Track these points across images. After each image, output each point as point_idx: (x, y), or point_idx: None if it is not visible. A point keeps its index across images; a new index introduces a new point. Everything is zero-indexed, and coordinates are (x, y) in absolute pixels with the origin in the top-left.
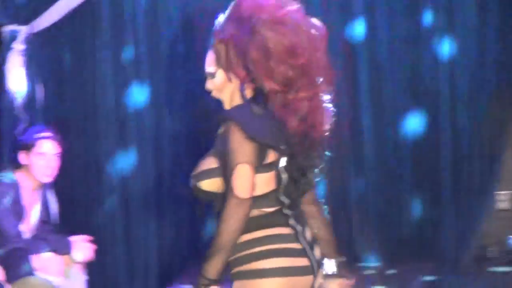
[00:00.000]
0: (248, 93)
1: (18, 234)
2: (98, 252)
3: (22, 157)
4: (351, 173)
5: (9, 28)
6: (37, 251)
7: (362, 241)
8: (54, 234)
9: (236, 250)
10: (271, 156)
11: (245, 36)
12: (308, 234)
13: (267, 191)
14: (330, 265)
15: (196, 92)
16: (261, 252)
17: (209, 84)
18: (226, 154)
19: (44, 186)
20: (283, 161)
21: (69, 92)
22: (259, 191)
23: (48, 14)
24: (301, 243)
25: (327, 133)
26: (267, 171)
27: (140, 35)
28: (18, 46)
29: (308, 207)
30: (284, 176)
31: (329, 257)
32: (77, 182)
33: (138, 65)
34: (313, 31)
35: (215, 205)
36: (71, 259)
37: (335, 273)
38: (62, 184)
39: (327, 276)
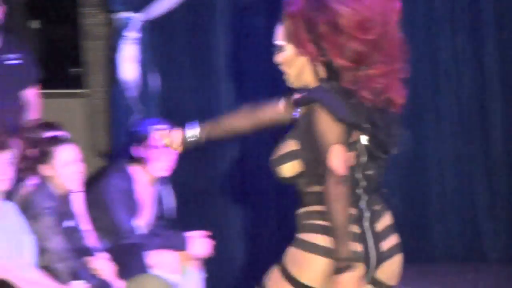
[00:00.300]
0: (321, 70)
1: (131, 230)
2: (216, 248)
3: (136, 150)
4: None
5: (121, 15)
6: (152, 247)
7: None
8: (170, 230)
9: (302, 218)
10: (354, 135)
11: (314, 10)
12: (382, 223)
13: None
14: None
15: None
16: (317, 225)
17: (278, 58)
18: (315, 136)
19: (160, 180)
20: (364, 139)
21: (185, 83)
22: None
23: (162, 1)
24: (361, 228)
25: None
26: (350, 150)
27: None
28: (131, 34)
29: None
30: (364, 154)
31: None
32: (194, 175)
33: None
34: (384, 3)
35: (298, 184)
36: (188, 255)
37: None
38: (179, 178)
39: None
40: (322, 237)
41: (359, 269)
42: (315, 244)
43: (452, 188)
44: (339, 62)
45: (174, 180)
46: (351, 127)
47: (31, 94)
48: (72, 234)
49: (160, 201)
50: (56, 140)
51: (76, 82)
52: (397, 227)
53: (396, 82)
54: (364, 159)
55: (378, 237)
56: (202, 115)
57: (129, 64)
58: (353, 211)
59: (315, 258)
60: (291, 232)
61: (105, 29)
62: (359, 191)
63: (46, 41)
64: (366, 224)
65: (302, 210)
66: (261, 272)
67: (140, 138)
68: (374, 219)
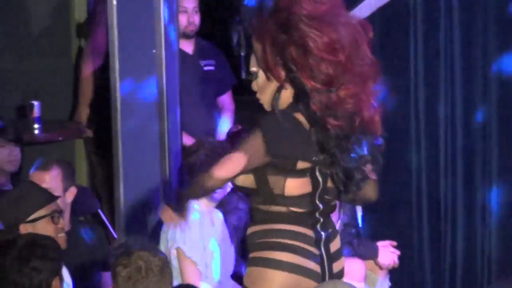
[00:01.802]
0: (288, 93)
1: None
2: (402, 258)
3: None
4: None
5: None
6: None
7: None
8: (358, 238)
9: (256, 237)
10: (301, 164)
11: (282, 33)
12: (334, 245)
13: (298, 194)
14: None
15: None
16: (277, 243)
17: (253, 85)
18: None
19: None
20: (317, 169)
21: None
22: (289, 193)
23: (359, 9)
24: (319, 250)
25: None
26: (300, 177)
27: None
28: None
29: None
30: (318, 181)
31: None
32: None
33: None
34: (354, 24)
35: (250, 199)
36: (375, 265)
37: None
38: None
39: None
40: (281, 253)
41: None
42: (274, 259)
43: None
44: (310, 84)
45: None
46: (287, 159)
47: (226, 100)
48: None
49: (345, 208)
50: None
51: None
52: None
53: (368, 103)
54: (322, 185)
55: (332, 258)
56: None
57: None
58: (309, 233)
59: (276, 273)
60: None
61: None
62: (318, 215)
63: None
64: (323, 246)
65: (253, 229)
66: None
67: None
68: (328, 241)
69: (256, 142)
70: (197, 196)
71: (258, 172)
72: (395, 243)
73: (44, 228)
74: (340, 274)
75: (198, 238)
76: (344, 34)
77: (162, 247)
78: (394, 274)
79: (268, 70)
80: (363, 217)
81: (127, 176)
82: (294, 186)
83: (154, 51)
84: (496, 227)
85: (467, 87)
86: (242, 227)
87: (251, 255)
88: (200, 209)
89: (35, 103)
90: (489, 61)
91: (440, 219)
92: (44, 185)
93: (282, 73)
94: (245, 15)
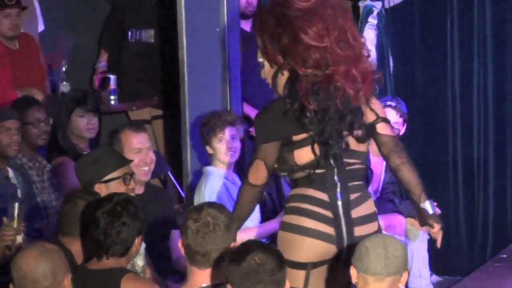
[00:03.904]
0: (285, 77)
1: None
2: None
3: None
4: None
5: (366, 3)
6: (384, 211)
7: None
8: (398, 196)
9: (286, 202)
10: (297, 137)
11: (278, 26)
12: (358, 211)
13: (308, 160)
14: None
15: None
16: (295, 207)
17: (262, 73)
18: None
19: None
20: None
21: (419, 67)
22: (300, 161)
23: None
24: (334, 213)
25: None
26: (302, 146)
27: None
28: (372, 20)
29: (391, 162)
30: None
31: (420, 201)
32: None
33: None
34: (341, 12)
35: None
36: (414, 221)
37: (431, 214)
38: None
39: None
40: (295, 217)
41: (332, 250)
42: (291, 224)
43: None
44: (301, 70)
45: None
46: (280, 139)
47: None
48: None
49: (387, 171)
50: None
51: None
52: None
53: (354, 80)
54: (328, 151)
55: (352, 223)
56: (432, 98)
57: (370, 47)
58: (326, 197)
59: (290, 236)
60: None
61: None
62: (335, 178)
63: None
64: (340, 210)
65: (290, 193)
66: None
67: None
68: (349, 206)
69: (256, 140)
70: (249, 210)
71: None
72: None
73: (116, 188)
74: (362, 237)
75: (225, 197)
76: (330, 22)
77: None
78: None
79: (269, 59)
80: None
81: (193, 140)
82: (301, 155)
83: (218, 29)
84: None
85: (498, 59)
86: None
87: (283, 218)
88: (221, 173)
89: (111, 76)
90: None
91: (474, 178)
92: (133, 145)
93: (280, 60)
94: None
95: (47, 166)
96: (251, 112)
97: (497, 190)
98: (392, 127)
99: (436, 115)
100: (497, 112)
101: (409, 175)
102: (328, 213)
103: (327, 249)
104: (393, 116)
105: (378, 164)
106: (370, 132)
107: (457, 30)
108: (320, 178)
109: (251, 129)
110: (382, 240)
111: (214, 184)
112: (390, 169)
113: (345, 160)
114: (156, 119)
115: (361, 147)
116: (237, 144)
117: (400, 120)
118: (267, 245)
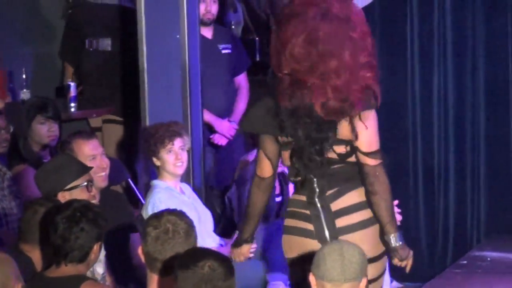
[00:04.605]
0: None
1: None
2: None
3: None
4: None
5: None
6: None
7: None
8: None
9: None
10: (282, 139)
11: (275, 31)
12: (339, 203)
13: (288, 165)
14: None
15: None
16: (287, 211)
17: None
18: None
19: None
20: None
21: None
22: (287, 163)
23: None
24: (313, 210)
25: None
26: (286, 149)
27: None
28: None
29: (364, 184)
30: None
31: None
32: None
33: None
34: (309, 22)
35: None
36: None
37: (393, 247)
38: None
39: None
40: (286, 219)
41: (311, 244)
42: (284, 226)
43: None
44: (280, 74)
45: None
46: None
47: (242, 80)
48: (281, 207)
49: None
50: None
51: None
52: None
53: (319, 90)
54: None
55: (333, 215)
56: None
57: None
58: (301, 197)
59: (284, 237)
60: None
61: None
62: (313, 180)
63: None
64: (318, 205)
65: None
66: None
67: None
68: (328, 200)
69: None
70: (260, 204)
71: None
72: (396, 202)
73: (80, 195)
74: (350, 229)
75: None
76: (299, 32)
77: None
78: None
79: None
80: None
81: None
82: (286, 158)
83: (178, 36)
84: (484, 190)
85: (458, 66)
86: None
87: None
88: (167, 185)
89: (71, 83)
90: (478, 41)
91: (434, 185)
92: (86, 153)
93: (273, 63)
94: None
95: (7, 174)
96: (211, 118)
97: (457, 197)
98: (373, 154)
99: (397, 122)
100: (457, 119)
101: (375, 208)
102: (307, 212)
103: (308, 244)
104: None
105: None
106: (352, 152)
107: (417, 37)
108: (300, 182)
109: (211, 136)
110: (339, 246)
111: (162, 197)
112: None
113: (326, 166)
114: (108, 123)
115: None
116: (185, 156)
117: None
118: (218, 252)
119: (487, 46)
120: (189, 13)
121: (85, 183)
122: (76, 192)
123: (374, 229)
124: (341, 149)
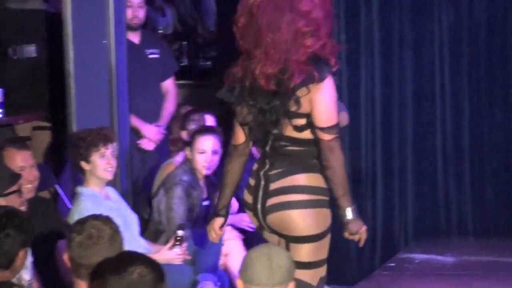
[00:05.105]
0: None
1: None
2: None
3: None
4: None
5: None
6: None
7: None
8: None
9: None
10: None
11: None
12: (278, 184)
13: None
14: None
15: None
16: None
17: None
18: None
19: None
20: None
21: None
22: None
23: None
24: (256, 183)
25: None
26: (245, 125)
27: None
28: None
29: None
30: (257, 124)
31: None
32: None
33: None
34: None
35: None
36: None
37: (344, 220)
38: None
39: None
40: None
41: (251, 217)
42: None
43: None
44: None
45: None
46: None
47: (169, 85)
48: (209, 212)
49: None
50: (202, 130)
51: (208, 74)
52: None
53: (260, 61)
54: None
55: (268, 194)
56: None
57: None
58: (255, 166)
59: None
60: None
61: None
62: (265, 150)
63: None
64: (261, 181)
65: None
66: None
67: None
68: (271, 179)
69: None
70: (233, 175)
71: None
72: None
73: (14, 202)
74: (278, 208)
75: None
76: (243, 6)
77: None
78: None
79: None
80: None
81: None
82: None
83: (105, 41)
84: (412, 193)
85: (385, 69)
86: (185, 197)
87: None
88: (92, 191)
89: None
90: (405, 44)
91: (361, 186)
92: (16, 163)
93: None
94: None
95: None
96: (139, 123)
97: (385, 200)
98: (328, 129)
99: None
100: (384, 123)
101: (330, 183)
102: (252, 182)
103: (251, 216)
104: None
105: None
106: (308, 125)
107: (345, 42)
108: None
109: (138, 141)
110: (267, 250)
111: (87, 205)
112: None
113: (280, 142)
114: (38, 130)
115: (296, 134)
116: (115, 162)
117: None
118: (147, 257)
119: (414, 48)
120: (116, 18)
121: (19, 189)
122: (11, 198)
123: (317, 212)
124: (299, 122)
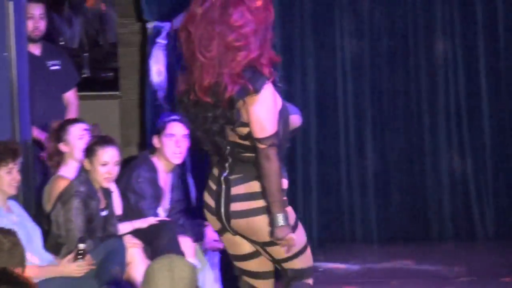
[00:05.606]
0: None
1: (155, 216)
2: None
3: (155, 141)
4: None
5: (153, 24)
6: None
7: None
8: (189, 218)
9: None
10: None
11: None
12: (238, 189)
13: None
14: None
15: None
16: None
17: None
18: None
19: (176, 168)
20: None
21: None
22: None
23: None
24: (218, 188)
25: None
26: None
27: None
28: (161, 41)
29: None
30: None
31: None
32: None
33: None
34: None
35: None
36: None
37: (275, 226)
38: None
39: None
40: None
41: (214, 220)
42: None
43: None
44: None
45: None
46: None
47: (71, 96)
48: (107, 222)
49: (175, 189)
50: (103, 141)
51: (110, 85)
52: None
53: (197, 74)
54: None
55: (230, 199)
56: None
57: (159, 67)
58: (215, 171)
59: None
60: None
61: (139, 37)
62: (225, 156)
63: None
64: (223, 185)
65: None
66: None
67: (158, 129)
68: (232, 183)
69: None
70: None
71: None
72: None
73: None
74: (242, 214)
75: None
76: (185, 21)
77: None
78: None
79: None
80: (196, 198)
81: None
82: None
83: (5, 53)
84: (316, 201)
85: (287, 76)
86: (83, 208)
87: None
88: None
89: None
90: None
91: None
92: None
93: None
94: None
95: None
96: (41, 136)
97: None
98: (263, 140)
99: None
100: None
101: (263, 188)
102: (213, 186)
103: (212, 220)
104: (180, 129)
105: (167, 181)
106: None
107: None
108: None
109: (41, 154)
110: (168, 261)
111: None
112: None
113: (237, 148)
114: None
115: (245, 142)
116: (19, 176)
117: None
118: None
119: (316, 59)
120: (16, 30)
121: None
122: None
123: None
124: (243, 130)
